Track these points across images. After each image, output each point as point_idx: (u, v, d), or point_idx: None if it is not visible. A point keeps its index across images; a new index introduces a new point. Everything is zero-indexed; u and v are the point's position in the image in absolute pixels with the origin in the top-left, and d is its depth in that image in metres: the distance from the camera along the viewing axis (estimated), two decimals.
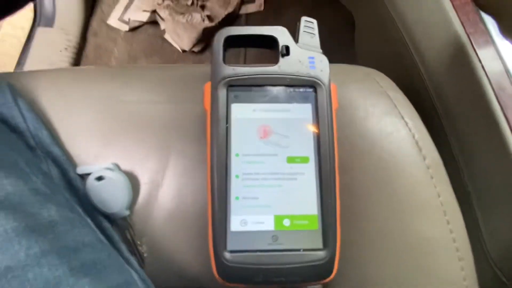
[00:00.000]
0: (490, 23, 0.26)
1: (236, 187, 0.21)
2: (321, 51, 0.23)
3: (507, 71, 0.24)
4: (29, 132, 0.23)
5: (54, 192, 0.20)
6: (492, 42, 0.25)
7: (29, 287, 0.14)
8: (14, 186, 0.17)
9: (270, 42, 0.23)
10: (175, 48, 0.77)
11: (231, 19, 0.77)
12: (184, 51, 0.76)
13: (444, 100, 0.29)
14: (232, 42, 0.23)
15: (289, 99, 0.22)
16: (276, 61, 0.22)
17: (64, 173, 0.23)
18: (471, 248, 0.21)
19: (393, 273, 0.21)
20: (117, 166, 0.23)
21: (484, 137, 0.25)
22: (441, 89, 0.29)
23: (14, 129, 0.22)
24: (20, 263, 0.15)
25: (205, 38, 0.75)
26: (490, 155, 0.24)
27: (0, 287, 0.14)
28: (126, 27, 0.78)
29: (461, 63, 0.26)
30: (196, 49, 0.76)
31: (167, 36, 0.77)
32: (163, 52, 0.78)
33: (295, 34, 0.23)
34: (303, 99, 0.22)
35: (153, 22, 0.79)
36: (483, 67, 0.24)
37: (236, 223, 0.20)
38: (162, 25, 0.78)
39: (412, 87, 0.32)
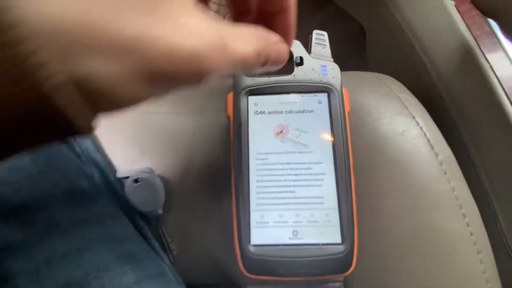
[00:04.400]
0: (496, 25, 0.27)
1: (257, 185, 0.22)
2: (332, 59, 0.25)
3: None
4: (76, 141, 0.26)
5: (97, 192, 0.22)
6: (499, 43, 0.26)
7: (83, 268, 0.17)
8: (69, 186, 0.20)
9: None
10: None
11: None
12: None
13: (456, 102, 0.29)
14: None
15: (304, 105, 0.24)
16: (290, 72, 0.24)
17: (105, 177, 0.26)
18: (492, 242, 0.21)
19: (411, 268, 0.21)
20: (152, 170, 0.26)
21: (497, 135, 0.25)
22: (453, 91, 0.30)
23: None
24: (75, 249, 0.17)
25: None
26: (504, 152, 0.25)
27: (60, 267, 0.16)
28: None
29: (470, 65, 0.27)
30: None
31: None
32: None
33: (307, 47, 0.26)
34: (317, 104, 0.24)
35: None
36: (491, 67, 0.25)
37: (258, 219, 0.22)
38: None
39: (425, 92, 0.33)
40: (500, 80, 0.25)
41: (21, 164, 0.19)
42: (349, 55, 0.54)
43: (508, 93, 0.25)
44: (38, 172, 0.20)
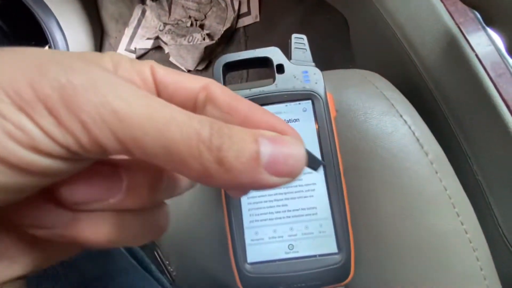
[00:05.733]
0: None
1: (249, 202, 0.22)
2: (313, 64, 0.24)
3: (501, 56, 0.24)
4: None
5: None
6: (483, 29, 0.26)
7: None
8: None
9: (265, 62, 0.25)
10: (181, 69, 0.81)
11: (230, 33, 0.79)
12: (189, 70, 0.80)
13: (443, 92, 0.29)
14: (230, 67, 0.25)
15: (289, 114, 0.23)
16: (274, 77, 0.24)
17: None
18: (488, 234, 0.21)
19: (410, 270, 0.21)
20: None
21: (486, 125, 0.25)
22: (439, 81, 0.29)
23: None
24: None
25: (207, 56, 0.78)
26: (493, 142, 0.24)
27: None
28: (133, 56, 0.83)
29: (455, 53, 0.26)
30: (200, 67, 0.79)
31: (172, 59, 0.81)
32: None
33: (287, 50, 0.25)
34: (302, 112, 0.23)
35: (157, 48, 0.83)
36: (476, 55, 0.25)
37: (253, 236, 0.22)
38: (166, 49, 0.82)
39: (411, 82, 0.32)
40: (486, 67, 0.25)
41: None
42: (334, 47, 0.53)
43: (494, 81, 0.24)
44: None
